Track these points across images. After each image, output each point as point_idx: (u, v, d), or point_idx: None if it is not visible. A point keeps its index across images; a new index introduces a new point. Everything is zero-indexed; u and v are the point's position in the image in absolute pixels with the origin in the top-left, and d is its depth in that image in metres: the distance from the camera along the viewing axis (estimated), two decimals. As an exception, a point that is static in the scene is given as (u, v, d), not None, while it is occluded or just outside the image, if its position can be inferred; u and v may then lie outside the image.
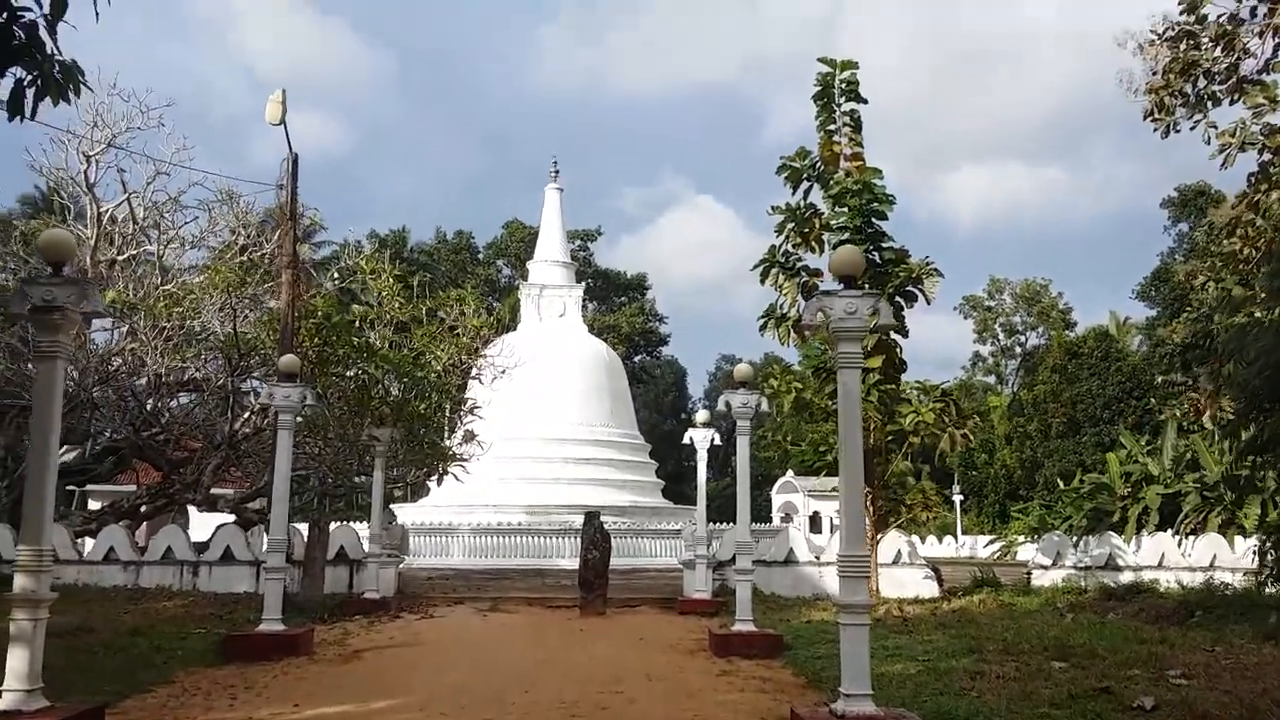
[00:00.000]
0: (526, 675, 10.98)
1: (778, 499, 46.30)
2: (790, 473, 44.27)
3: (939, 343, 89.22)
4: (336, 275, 22.34)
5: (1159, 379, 49.46)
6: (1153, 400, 49.74)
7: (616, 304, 74.69)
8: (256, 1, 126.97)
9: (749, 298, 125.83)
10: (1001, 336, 68.08)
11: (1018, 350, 68.26)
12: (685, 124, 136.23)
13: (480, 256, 73.28)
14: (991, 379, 68.51)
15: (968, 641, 12.71)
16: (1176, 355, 51.28)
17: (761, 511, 44.14)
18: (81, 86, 5.88)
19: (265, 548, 13.16)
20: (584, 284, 45.34)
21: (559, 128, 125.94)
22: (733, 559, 20.00)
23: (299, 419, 18.83)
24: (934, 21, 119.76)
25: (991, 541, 42.19)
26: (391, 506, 35.42)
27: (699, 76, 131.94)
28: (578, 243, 67.52)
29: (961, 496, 51.12)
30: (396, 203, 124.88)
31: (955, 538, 48.63)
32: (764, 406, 13.74)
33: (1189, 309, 49.96)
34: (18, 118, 5.81)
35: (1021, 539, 39.78)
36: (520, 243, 66.45)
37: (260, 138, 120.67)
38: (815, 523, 42.45)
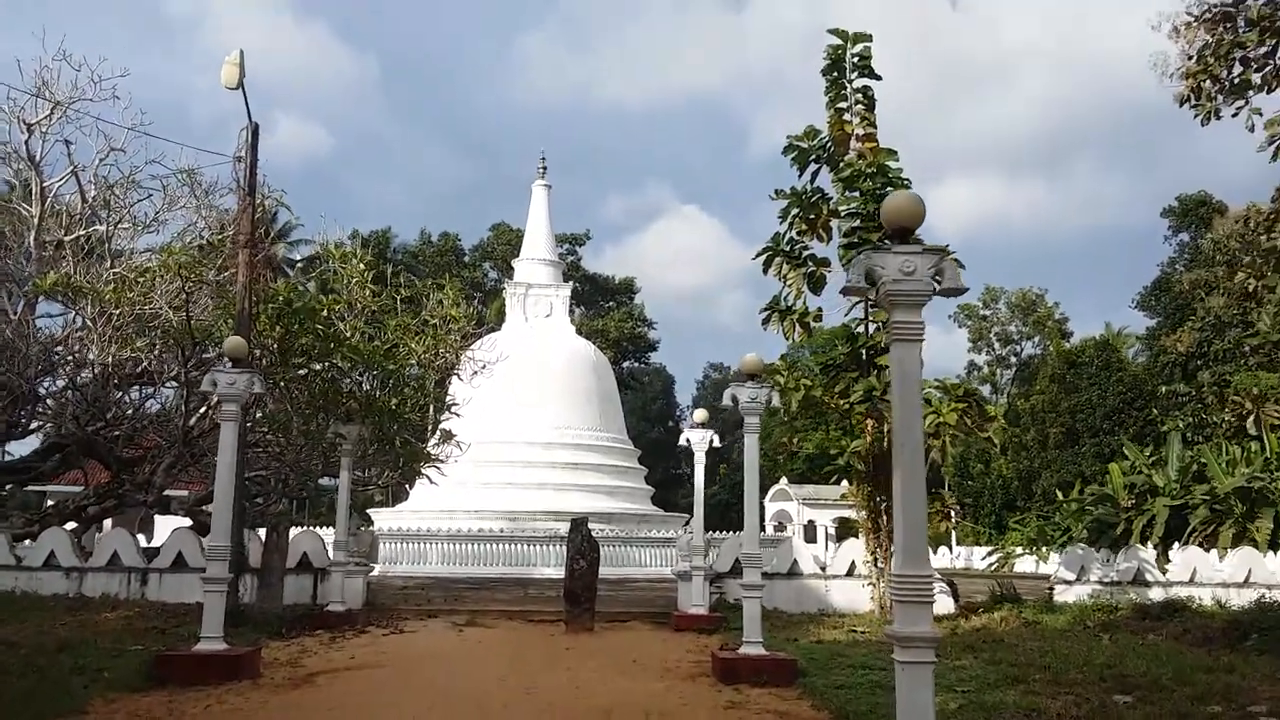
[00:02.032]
0: (503, 709, 9.40)
1: (771, 507, 44.77)
2: (784, 480, 42.78)
3: (933, 351, 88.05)
4: (301, 261, 20.63)
5: (1162, 389, 48.18)
6: (1154, 410, 48.47)
7: (604, 308, 73.14)
8: (234, 5, 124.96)
9: (736, 308, 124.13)
10: (997, 346, 66.80)
11: (1013, 360, 67.04)
12: (672, 135, 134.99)
13: (466, 259, 71.63)
14: (987, 389, 67.19)
15: (1006, 669, 11.18)
16: (1178, 365, 50.22)
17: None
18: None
19: (205, 555, 11.49)
20: (571, 284, 43.77)
21: (545, 136, 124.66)
22: (731, 570, 18.51)
23: (259, 414, 17.32)
24: (919, 37, 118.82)
25: (990, 553, 40.75)
26: (369, 511, 33.96)
27: (685, 88, 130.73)
28: (565, 246, 65.99)
29: (957, 507, 49.66)
30: (381, 212, 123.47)
31: (950, 549, 47.17)
32: (774, 400, 12.21)
33: (1193, 318, 48.81)
34: None
35: (1020, 550, 38.39)
36: (507, 245, 64.85)
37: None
38: (810, 532, 40.94)
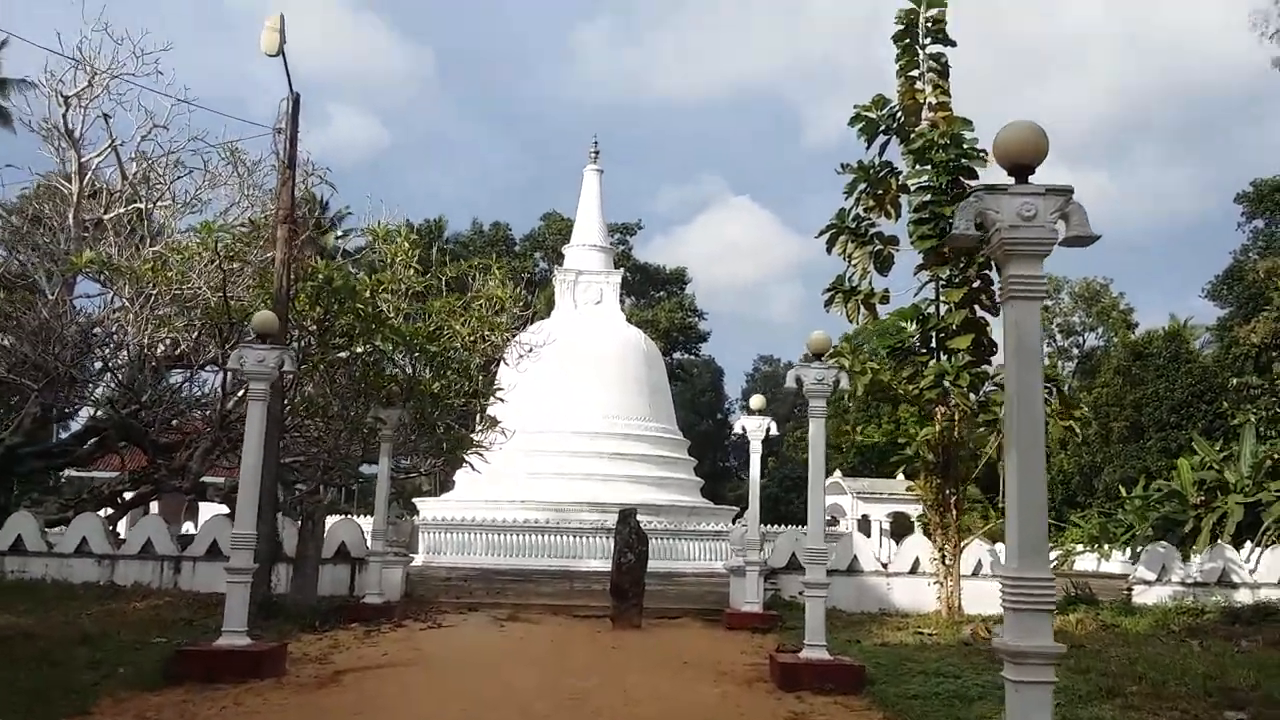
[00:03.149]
0: (543, 718, 8.58)
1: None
2: (838, 473, 41.59)
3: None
4: (343, 236, 19.91)
5: (1233, 381, 46.26)
6: (1225, 404, 46.53)
7: (654, 298, 72.19)
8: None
9: (788, 301, 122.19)
10: (1059, 337, 64.84)
11: (1075, 351, 65.07)
12: (724, 126, 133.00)
13: (516, 249, 71.03)
14: (1046, 381, 65.29)
15: (1097, 679, 10.14)
16: (1250, 357, 48.17)
17: (805, 515, 41.17)
18: None
19: (230, 544, 10.81)
20: (622, 272, 42.83)
21: (598, 128, 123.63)
22: (787, 566, 17.62)
23: (297, 398, 16.67)
24: (978, 23, 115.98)
25: (1049, 550, 39.34)
26: (415, 500, 33.38)
27: (738, 77, 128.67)
28: (616, 235, 65.05)
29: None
30: (435, 205, 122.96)
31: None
32: (844, 383, 11.26)
33: (1267, 308, 46.77)
34: None
35: (1080, 548, 36.95)
36: (558, 235, 64.08)
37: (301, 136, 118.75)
38: (863, 528, 39.75)
